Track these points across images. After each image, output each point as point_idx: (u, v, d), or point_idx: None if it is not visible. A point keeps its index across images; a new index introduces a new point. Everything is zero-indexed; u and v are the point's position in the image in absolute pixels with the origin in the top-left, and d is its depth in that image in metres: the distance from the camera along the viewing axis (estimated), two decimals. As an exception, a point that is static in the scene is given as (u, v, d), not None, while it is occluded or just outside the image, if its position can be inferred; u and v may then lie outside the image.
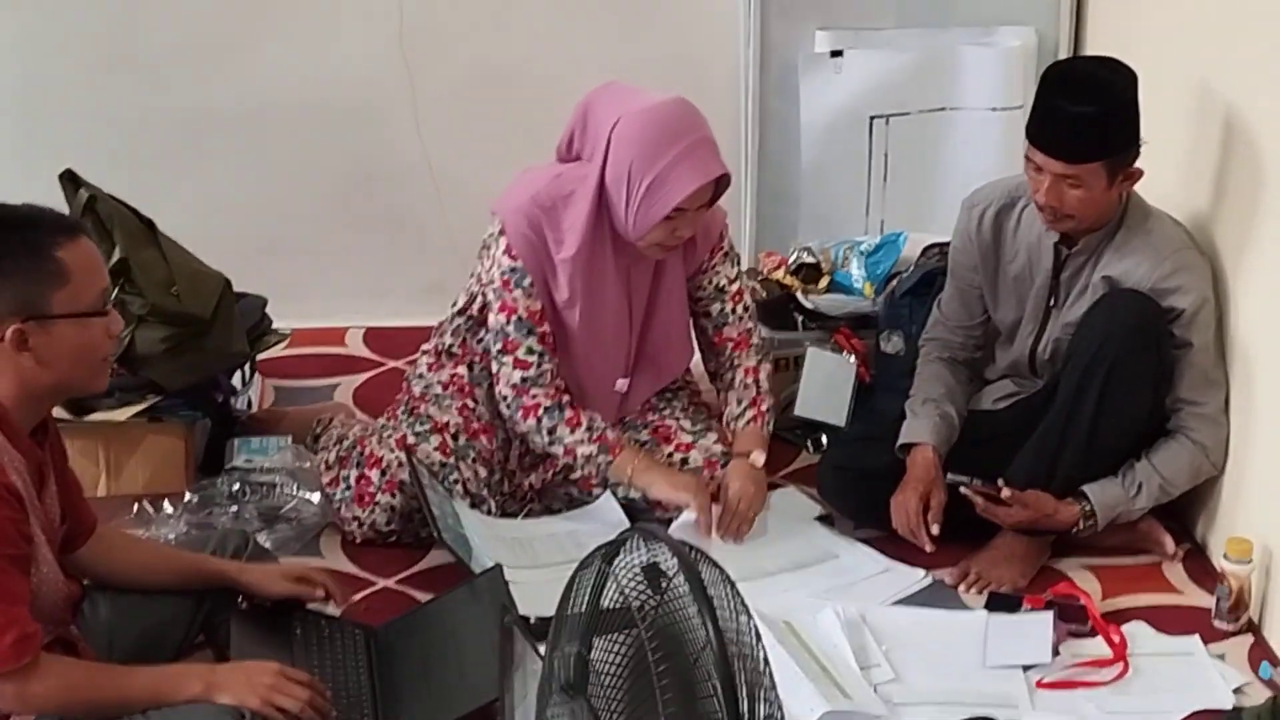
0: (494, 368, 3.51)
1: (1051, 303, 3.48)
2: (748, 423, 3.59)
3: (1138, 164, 3.32)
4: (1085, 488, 3.35)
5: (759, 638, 1.75)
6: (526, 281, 3.43)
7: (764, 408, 3.64)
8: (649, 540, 1.83)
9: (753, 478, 3.51)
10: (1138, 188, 3.41)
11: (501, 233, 3.44)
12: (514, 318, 3.45)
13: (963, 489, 3.35)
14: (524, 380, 3.46)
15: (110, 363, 2.67)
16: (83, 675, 2.58)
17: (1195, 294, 3.32)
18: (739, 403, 3.64)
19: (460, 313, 3.64)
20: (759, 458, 3.53)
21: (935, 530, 3.41)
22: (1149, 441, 3.39)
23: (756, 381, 3.65)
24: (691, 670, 1.74)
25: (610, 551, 1.88)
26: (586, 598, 1.89)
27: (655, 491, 3.48)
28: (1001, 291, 3.57)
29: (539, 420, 3.46)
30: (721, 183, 3.40)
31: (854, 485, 3.58)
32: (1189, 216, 3.53)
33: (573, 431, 3.46)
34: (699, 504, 3.42)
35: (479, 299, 3.58)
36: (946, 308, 3.68)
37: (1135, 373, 3.30)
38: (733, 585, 1.79)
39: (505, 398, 3.49)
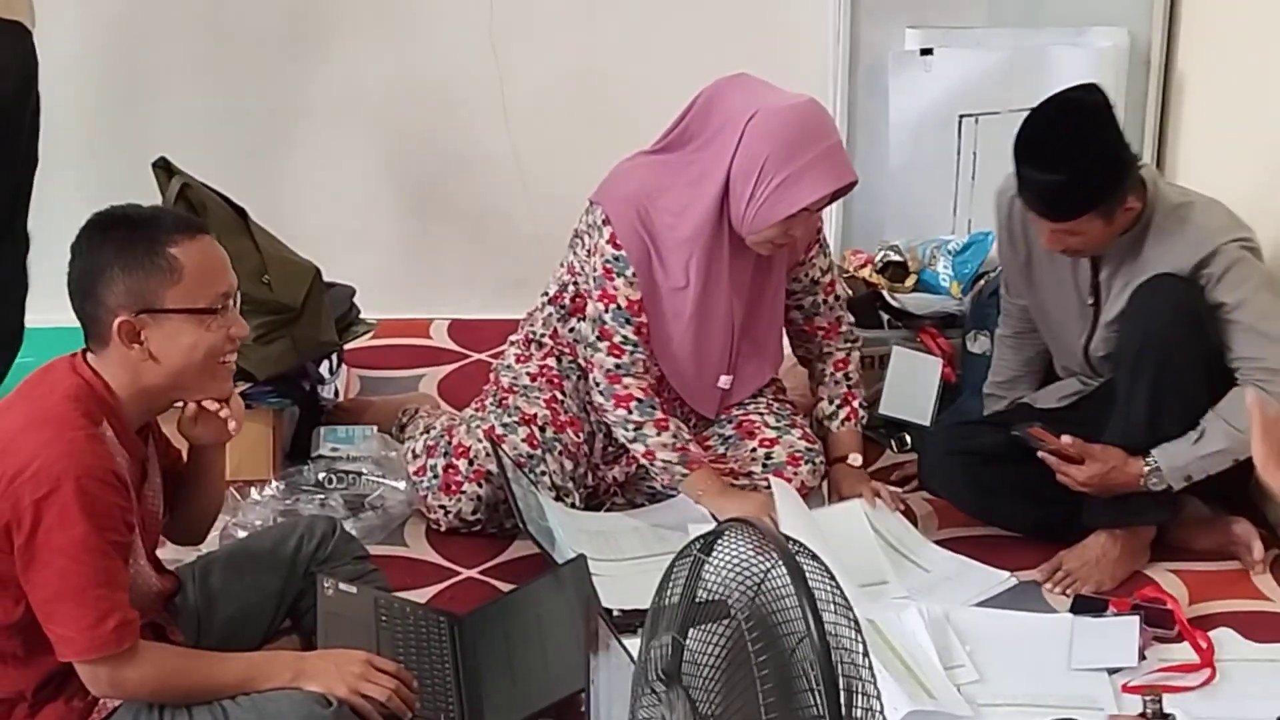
0: (588, 354, 3.53)
1: (1091, 301, 3.44)
2: (842, 423, 3.61)
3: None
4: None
5: (859, 630, 1.75)
6: (629, 271, 3.44)
7: (856, 404, 3.66)
8: (748, 532, 1.83)
9: (860, 479, 3.57)
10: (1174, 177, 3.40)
11: (605, 221, 3.45)
12: (613, 306, 3.46)
13: (1029, 439, 3.31)
14: (617, 367, 3.48)
15: (231, 367, 2.67)
16: (176, 662, 2.61)
17: (1224, 256, 3.25)
18: (831, 401, 3.64)
19: (551, 301, 3.66)
20: (856, 459, 3.58)
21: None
22: None
23: (846, 376, 3.67)
24: (788, 663, 1.74)
25: (708, 542, 1.89)
26: (683, 588, 1.90)
27: (724, 516, 3.42)
28: (1032, 281, 3.56)
29: (629, 410, 3.47)
30: (844, 188, 3.41)
31: (964, 468, 3.55)
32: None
33: (659, 434, 3.47)
34: None
35: (570, 288, 3.60)
36: (1006, 284, 3.69)
37: (1184, 360, 3.26)
38: (833, 579, 1.79)
39: (599, 384, 3.50)
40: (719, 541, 1.88)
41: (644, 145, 3.57)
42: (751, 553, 1.81)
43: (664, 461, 3.47)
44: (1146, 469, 3.28)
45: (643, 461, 3.53)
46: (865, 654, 1.75)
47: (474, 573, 3.45)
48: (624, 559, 3.39)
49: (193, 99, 4.44)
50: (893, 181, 4.39)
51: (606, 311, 3.47)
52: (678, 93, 3.54)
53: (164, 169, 3.72)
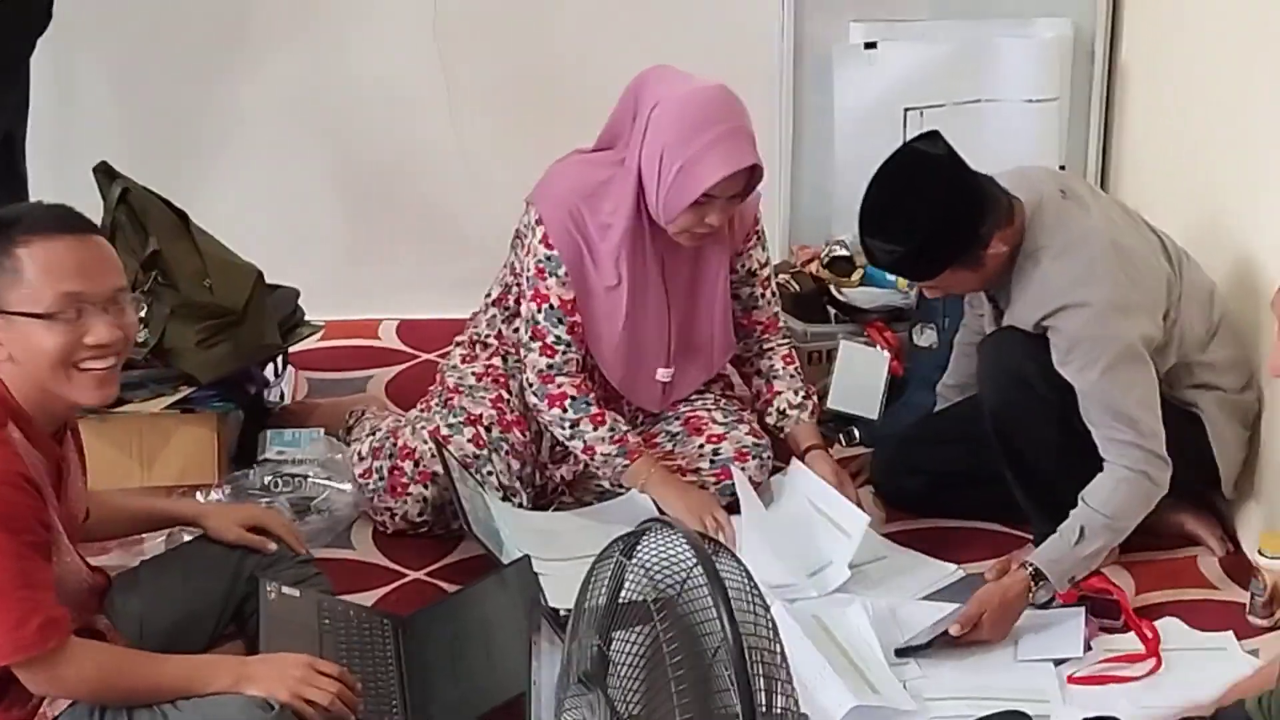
0: (522, 354, 3.52)
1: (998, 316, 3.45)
2: (811, 414, 3.65)
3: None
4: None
5: (776, 631, 1.75)
6: (561, 270, 3.43)
7: (815, 399, 3.70)
8: (667, 533, 1.82)
9: (836, 464, 3.60)
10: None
11: (539, 222, 3.45)
12: (545, 306, 3.46)
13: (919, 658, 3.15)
14: (549, 367, 3.48)
15: (98, 375, 2.56)
16: (115, 660, 2.59)
17: (1066, 336, 3.18)
18: (795, 393, 3.65)
19: (495, 303, 3.67)
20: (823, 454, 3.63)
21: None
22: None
23: (799, 370, 3.69)
24: (710, 663, 1.74)
25: (629, 544, 1.88)
26: (605, 590, 1.89)
27: (667, 506, 3.46)
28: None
29: (564, 409, 3.47)
30: (754, 174, 3.39)
31: (917, 490, 3.61)
32: (1235, 213, 3.49)
33: (595, 429, 3.47)
34: (708, 524, 3.41)
35: (513, 289, 3.59)
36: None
37: (1022, 416, 3.28)
38: (750, 578, 1.79)
39: (531, 384, 3.50)
40: (640, 543, 1.88)
41: (591, 142, 3.57)
42: (671, 555, 1.80)
43: (604, 455, 3.47)
44: (1036, 584, 3.15)
45: (583, 458, 3.53)
46: (783, 654, 1.74)
47: (421, 575, 3.44)
48: (571, 558, 3.36)
49: (133, 102, 4.42)
50: (839, 176, 4.38)
51: (539, 311, 3.46)
52: (625, 88, 3.54)
53: (105, 173, 3.70)
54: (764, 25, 4.37)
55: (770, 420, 3.67)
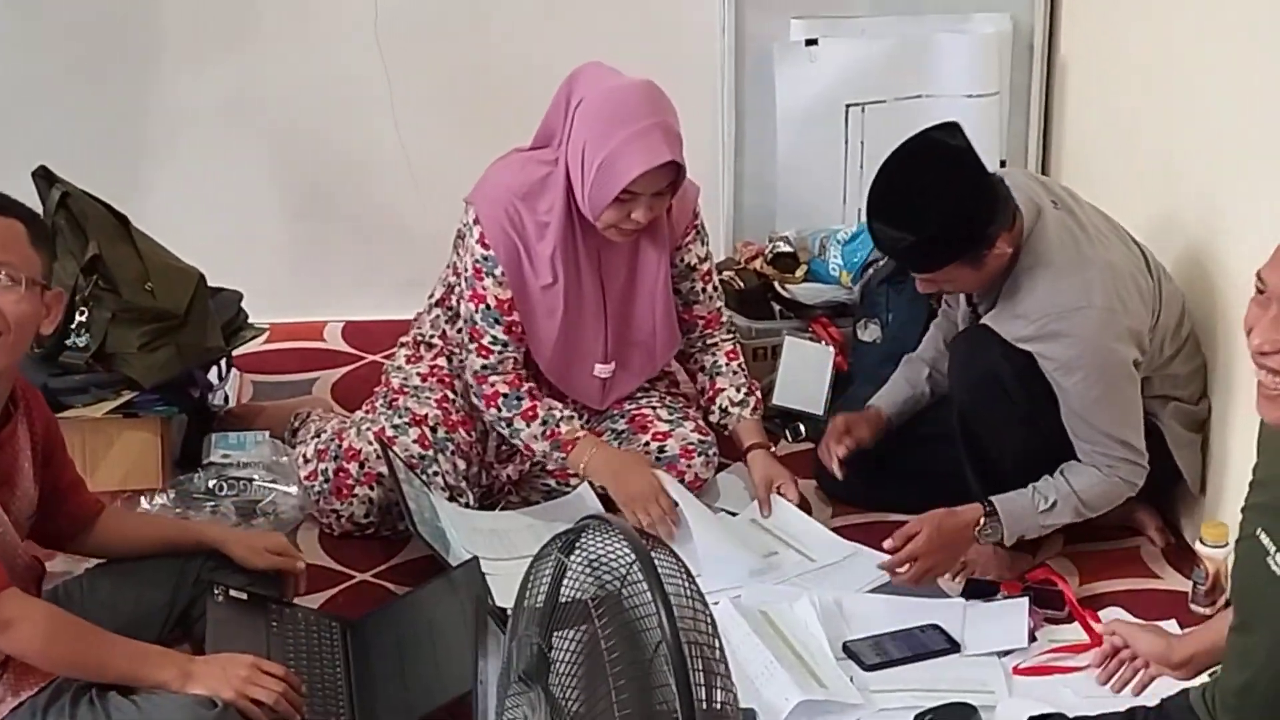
0: (462, 356, 3.52)
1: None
2: (753, 411, 3.66)
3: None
4: None
5: (715, 626, 1.76)
6: (498, 270, 3.43)
7: (758, 394, 3.70)
8: (605, 530, 1.82)
9: (780, 469, 3.61)
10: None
11: (476, 221, 3.45)
12: (482, 306, 3.46)
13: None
14: (484, 368, 3.48)
15: None
16: (66, 622, 2.59)
17: (1059, 363, 3.18)
18: (738, 390, 3.67)
19: (438, 304, 3.67)
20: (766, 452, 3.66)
21: (841, 453, 3.50)
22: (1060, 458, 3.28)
23: (742, 366, 3.70)
24: (650, 659, 1.75)
25: (568, 542, 1.89)
26: (545, 588, 1.89)
27: (611, 493, 3.50)
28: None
29: (499, 409, 3.48)
30: (681, 171, 3.38)
31: (851, 478, 3.59)
32: (1185, 206, 3.51)
33: (528, 425, 3.48)
34: (643, 519, 3.42)
35: (456, 289, 3.59)
36: None
37: (990, 417, 3.27)
38: (689, 574, 1.80)
39: (471, 386, 3.51)
40: (579, 541, 1.88)
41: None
42: (610, 552, 1.81)
43: (540, 451, 3.50)
44: (985, 519, 3.20)
45: (527, 454, 3.54)
46: (721, 649, 1.75)
47: (368, 576, 3.44)
48: (518, 557, 3.37)
49: (73, 106, 4.39)
50: (782, 172, 4.41)
51: (477, 312, 3.47)
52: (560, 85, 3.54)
53: (44, 178, 3.67)
54: (705, 23, 4.40)
55: (713, 418, 3.69)
